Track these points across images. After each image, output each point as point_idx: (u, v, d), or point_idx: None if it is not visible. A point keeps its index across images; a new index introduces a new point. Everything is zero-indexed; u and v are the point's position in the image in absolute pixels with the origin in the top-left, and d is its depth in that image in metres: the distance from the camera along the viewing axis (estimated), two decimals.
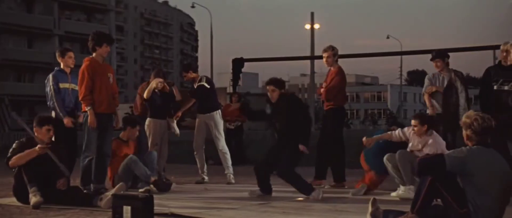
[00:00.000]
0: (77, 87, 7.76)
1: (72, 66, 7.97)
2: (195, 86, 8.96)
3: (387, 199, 6.61)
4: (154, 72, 8.93)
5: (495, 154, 4.66)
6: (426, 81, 7.94)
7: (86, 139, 7.13)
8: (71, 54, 7.98)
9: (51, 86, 7.76)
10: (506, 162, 4.71)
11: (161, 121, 8.70)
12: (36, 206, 6.15)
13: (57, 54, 7.99)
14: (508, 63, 7.19)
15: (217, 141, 8.99)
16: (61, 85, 7.81)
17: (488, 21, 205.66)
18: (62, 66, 7.92)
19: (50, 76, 7.86)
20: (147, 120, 8.73)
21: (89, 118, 7.03)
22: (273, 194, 7.61)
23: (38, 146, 6.43)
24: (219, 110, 9.11)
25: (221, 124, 9.06)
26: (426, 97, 7.93)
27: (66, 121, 7.62)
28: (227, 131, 13.51)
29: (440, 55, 7.89)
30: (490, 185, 4.48)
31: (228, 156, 9.05)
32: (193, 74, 8.98)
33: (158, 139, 8.63)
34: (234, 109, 13.00)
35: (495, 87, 7.23)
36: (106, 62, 7.46)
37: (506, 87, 7.19)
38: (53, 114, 7.69)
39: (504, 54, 7.21)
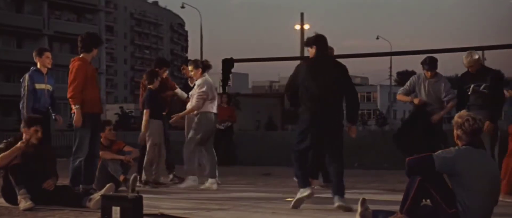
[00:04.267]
0: (52, 88, 7.78)
1: (49, 66, 7.93)
2: (192, 85, 8.95)
3: (376, 199, 6.62)
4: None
5: (484, 154, 4.69)
6: (408, 82, 8.05)
7: (77, 141, 7.05)
8: (48, 54, 7.95)
9: (26, 86, 7.69)
10: (495, 163, 4.74)
11: (158, 120, 8.67)
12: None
13: (34, 54, 7.94)
14: (477, 69, 7.61)
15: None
16: (37, 85, 7.75)
17: (480, 22, 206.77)
18: (39, 66, 7.86)
19: (26, 76, 7.79)
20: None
21: (75, 116, 6.93)
22: (263, 194, 7.62)
23: (20, 142, 6.41)
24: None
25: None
26: (398, 97, 8.19)
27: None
28: (217, 131, 13.50)
29: (433, 66, 7.95)
30: (479, 186, 4.50)
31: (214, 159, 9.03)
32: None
33: (158, 139, 8.62)
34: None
35: (469, 92, 7.65)
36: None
37: (475, 89, 7.56)
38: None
39: (469, 65, 7.61)
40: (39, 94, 7.75)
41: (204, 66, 8.43)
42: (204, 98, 8.18)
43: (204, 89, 8.17)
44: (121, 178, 7.71)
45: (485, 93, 7.45)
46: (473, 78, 7.61)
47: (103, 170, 7.76)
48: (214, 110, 8.35)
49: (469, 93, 7.60)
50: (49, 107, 7.98)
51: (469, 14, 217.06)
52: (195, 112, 8.28)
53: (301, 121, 6.35)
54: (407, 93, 8.08)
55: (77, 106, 6.95)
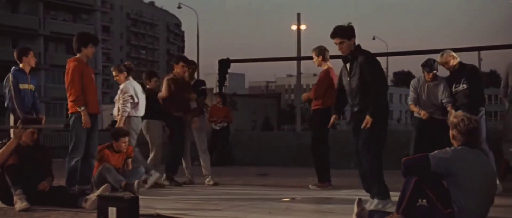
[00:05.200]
0: (34, 88, 7.78)
1: (34, 65, 7.91)
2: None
3: None
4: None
5: (480, 154, 4.70)
6: (411, 88, 8.06)
7: (74, 141, 7.03)
8: (32, 53, 7.95)
9: (11, 87, 7.66)
10: (491, 163, 4.75)
11: (157, 121, 8.66)
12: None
13: (16, 54, 7.90)
14: (455, 68, 7.90)
15: (200, 144, 8.96)
16: (21, 85, 7.71)
17: (478, 22, 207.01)
18: (22, 66, 7.83)
19: (10, 76, 7.74)
20: (145, 121, 8.68)
21: (83, 118, 6.91)
22: (259, 195, 7.62)
23: (13, 134, 6.39)
24: (204, 114, 9.06)
25: (204, 127, 9.05)
26: (411, 108, 8.09)
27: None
28: (213, 132, 13.51)
29: (433, 68, 7.99)
30: (475, 186, 4.51)
31: (209, 158, 9.03)
32: (190, 71, 8.97)
33: (159, 140, 8.61)
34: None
35: (453, 91, 7.91)
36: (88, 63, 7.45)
37: (457, 89, 7.88)
38: (11, 116, 7.61)
39: (446, 66, 7.88)
40: (22, 95, 7.73)
41: (128, 69, 8.46)
42: (130, 102, 8.22)
43: (128, 93, 8.22)
44: (123, 184, 7.64)
45: (466, 90, 7.69)
46: (453, 79, 7.82)
47: (102, 176, 7.70)
48: (137, 113, 8.36)
49: (453, 92, 7.78)
50: (32, 108, 7.94)
51: (467, 14, 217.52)
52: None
53: (382, 120, 6.15)
54: (416, 101, 8.10)
55: (82, 108, 6.93)
